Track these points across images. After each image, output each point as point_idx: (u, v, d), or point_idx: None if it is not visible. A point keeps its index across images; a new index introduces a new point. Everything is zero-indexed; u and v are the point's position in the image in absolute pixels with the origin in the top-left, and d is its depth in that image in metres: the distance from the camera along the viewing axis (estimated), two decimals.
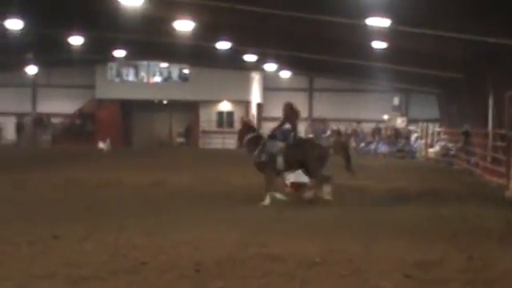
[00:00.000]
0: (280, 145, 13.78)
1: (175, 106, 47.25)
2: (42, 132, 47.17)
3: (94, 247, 8.63)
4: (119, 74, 47.15)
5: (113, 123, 45.82)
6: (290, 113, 14.23)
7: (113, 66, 46.57)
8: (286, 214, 12.10)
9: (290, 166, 13.82)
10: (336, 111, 45.48)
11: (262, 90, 47.53)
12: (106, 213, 11.74)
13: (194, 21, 26.41)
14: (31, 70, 46.15)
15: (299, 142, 14.10)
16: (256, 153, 13.84)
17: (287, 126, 14.01)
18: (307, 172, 13.84)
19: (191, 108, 46.50)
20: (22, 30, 28.53)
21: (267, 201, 13.36)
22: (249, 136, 14.12)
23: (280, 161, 13.64)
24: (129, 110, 47.81)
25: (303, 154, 13.67)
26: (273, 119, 45.99)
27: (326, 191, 13.70)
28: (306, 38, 28.43)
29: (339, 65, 34.47)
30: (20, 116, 46.96)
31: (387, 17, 20.90)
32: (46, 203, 12.92)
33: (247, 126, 14.72)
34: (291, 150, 13.69)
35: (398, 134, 40.95)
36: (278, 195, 13.50)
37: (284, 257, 8.23)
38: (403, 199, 15.00)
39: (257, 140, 14.00)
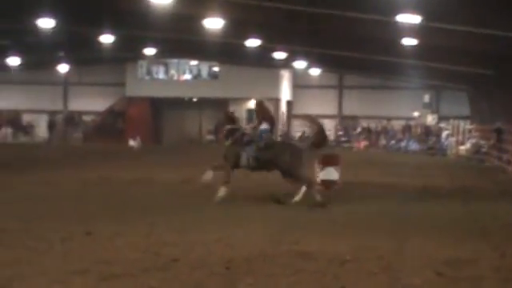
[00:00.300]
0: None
1: (205, 103, 47.38)
2: (74, 130, 47.66)
3: (126, 244, 8.70)
4: (149, 72, 47.43)
5: (143, 121, 46.11)
6: (265, 111, 14.34)
7: (143, 63, 46.86)
8: (316, 212, 12.08)
9: (262, 166, 13.63)
10: (366, 108, 45.26)
11: (291, 87, 47.46)
12: (137, 210, 11.82)
13: (224, 18, 26.44)
14: (63, 68, 46.63)
15: (270, 143, 13.73)
16: (227, 143, 13.84)
17: (264, 126, 13.90)
18: (281, 172, 13.59)
19: (221, 105, 46.51)
20: (53, 28, 28.82)
21: (221, 193, 13.22)
22: (228, 127, 14.07)
23: (244, 158, 13.52)
24: (159, 107, 48.04)
25: (273, 155, 13.41)
26: (303, 116, 46.07)
27: (300, 193, 13.08)
28: (336, 35, 28.31)
29: (369, 62, 34.26)
30: (52, 114, 47.49)
31: (418, 13, 20.73)
32: (78, 200, 13.05)
33: (228, 118, 14.61)
34: (261, 150, 13.51)
35: (428, 132, 40.61)
36: (297, 197, 13.22)
37: (315, 254, 8.22)
38: (434, 197, 14.89)
39: (233, 132, 13.93)
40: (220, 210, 11.95)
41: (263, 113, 14.27)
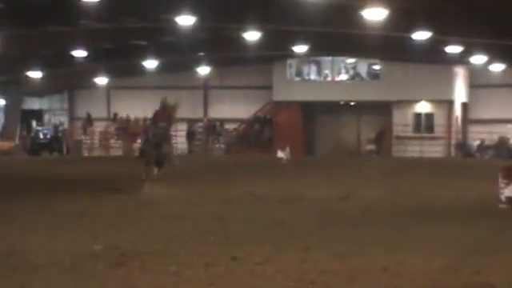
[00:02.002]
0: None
1: (364, 107, 47.17)
2: (215, 140, 48.89)
3: (277, 271, 8.78)
4: (299, 73, 47.85)
5: (293, 129, 46.53)
6: (160, 110, 18.27)
7: (292, 63, 47.34)
8: (505, 233, 11.70)
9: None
10: None
11: (467, 87, 46.27)
12: (288, 231, 11.93)
13: (387, 8, 26.22)
14: (203, 70, 48.00)
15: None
16: (142, 141, 17.59)
17: (162, 123, 18.03)
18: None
19: (383, 110, 46.18)
20: (192, 26, 29.75)
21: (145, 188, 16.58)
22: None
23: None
24: (311, 113, 48.33)
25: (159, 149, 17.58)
26: (481, 122, 44.96)
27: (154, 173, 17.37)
28: None
29: None
30: (191, 122, 48.92)
31: None
32: (221, 220, 13.32)
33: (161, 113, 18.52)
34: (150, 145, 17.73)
35: None
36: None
37: (501, 286, 7.96)
38: None
39: (147, 130, 16.87)
40: (385, 232, 11.82)
41: (160, 113, 18.36)
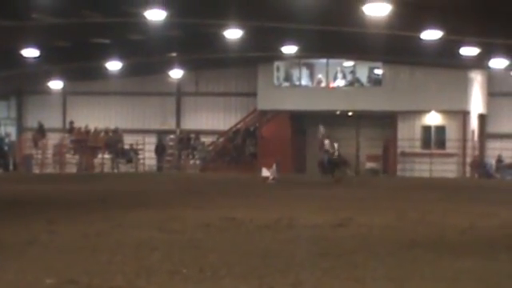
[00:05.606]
0: None
1: (364, 118, 47.39)
2: (189, 155, 48.87)
3: None
4: (289, 77, 47.99)
5: (280, 143, 46.63)
6: None
7: (280, 66, 47.50)
8: None
9: None
10: None
11: (485, 95, 46.52)
12: (275, 264, 11.88)
13: (391, 3, 26.35)
14: (175, 73, 48.04)
15: None
16: None
17: None
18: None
19: (386, 121, 46.37)
20: (163, 22, 29.76)
21: None
22: None
23: None
24: (301, 124, 48.49)
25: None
26: (501, 136, 45.14)
27: None
28: None
29: None
30: (161, 134, 48.91)
31: None
32: (198, 249, 13.29)
33: None
34: None
35: None
36: None
37: None
38: None
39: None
40: (392, 263, 11.80)
41: None
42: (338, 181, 32.86)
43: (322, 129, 34.95)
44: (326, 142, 34.59)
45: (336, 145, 35.80)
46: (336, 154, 34.61)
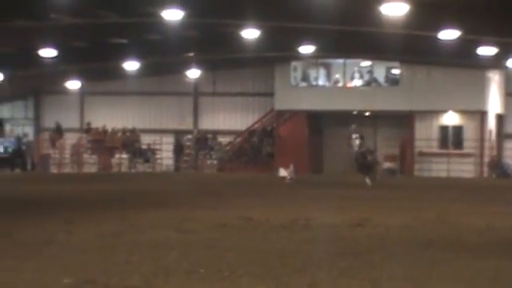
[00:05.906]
0: None
1: (381, 118, 47.30)
2: (207, 155, 48.90)
3: None
4: (306, 77, 47.95)
5: (297, 142, 46.61)
6: None
7: (297, 66, 47.47)
8: None
9: None
10: None
11: (503, 95, 46.37)
12: (292, 264, 11.86)
13: (408, 2, 26.28)
14: (193, 73, 48.08)
15: None
16: None
17: None
18: None
19: (403, 121, 46.25)
20: (181, 22, 29.80)
21: None
22: None
23: None
24: (318, 124, 48.44)
25: None
26: None
27: None
28: None
29: None
30: (179, 134, 48.94)
31: None
32: (215, 249, 13.28)
33: None
34: None
35: None
36: None
37: None
38: None
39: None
40: (409, 263, 11.77)
41: None
42: (373, 181, 32.54)
43: (353, 128, 34.51)
44: (357, 141, 34.01)
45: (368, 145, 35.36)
46: (369, 156, 34.00)
